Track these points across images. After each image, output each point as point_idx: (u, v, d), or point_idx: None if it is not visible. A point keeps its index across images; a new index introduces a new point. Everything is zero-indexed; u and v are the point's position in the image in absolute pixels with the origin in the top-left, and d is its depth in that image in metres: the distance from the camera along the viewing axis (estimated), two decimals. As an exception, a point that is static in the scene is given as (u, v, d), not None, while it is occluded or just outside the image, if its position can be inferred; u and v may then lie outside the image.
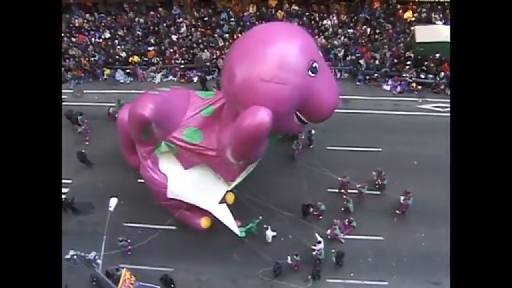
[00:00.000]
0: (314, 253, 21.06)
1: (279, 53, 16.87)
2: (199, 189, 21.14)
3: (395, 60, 29.97)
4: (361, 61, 29.62)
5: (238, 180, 21.53)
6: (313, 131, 25.15)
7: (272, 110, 16.52)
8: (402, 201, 22.47)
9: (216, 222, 21.91)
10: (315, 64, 17.26)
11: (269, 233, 21.97)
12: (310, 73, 17.14)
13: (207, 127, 20.05)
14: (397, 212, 22.86)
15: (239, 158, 19.27)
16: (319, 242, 21.06)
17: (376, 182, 23.60)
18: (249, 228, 22.01)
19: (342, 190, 23.52)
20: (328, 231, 22.07)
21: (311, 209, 22.71)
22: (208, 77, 30.48)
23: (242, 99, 17.27)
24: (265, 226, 21.96)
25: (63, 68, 31.46)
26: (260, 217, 22.14)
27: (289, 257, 20.88)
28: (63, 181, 24.34)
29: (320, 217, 22.72)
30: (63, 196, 23.90)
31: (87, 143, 27.11)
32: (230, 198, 22.08)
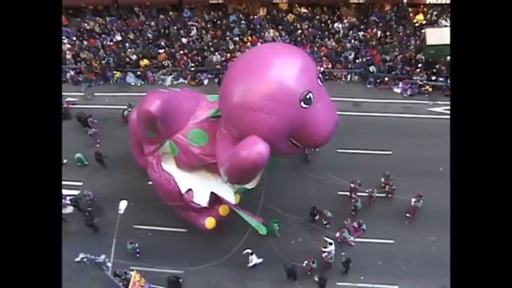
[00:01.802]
0: (324, 255, 21.02)
1: (271, 82, 16.56)
2: (208, 187, 21.22)
3: (406, 63, 29.84)
4: (371, 68, 29.52)
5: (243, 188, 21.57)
6: None
7: (261, 137, 16.45)
8: (412, 204, 22.40)
9: (223, 224, 21.92)
10: (309, 95, 16.71)
11: (254, 259, 21.56)
12: (303, 104, 16.70)
13: (213, 131, 20.02)
14: (408, 215, 22.79)
15: (233, 181, 19.65)
16: (330, 244, 21.04)
17: (384, 186, 23.52)
18: (270, 229, 22.05)
19: (352, 194, 23.43)
20: (337, 234, 22.02)
21: (317, 217, 22.66)
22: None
23: (233, 123, 17.51)
24: (249, 251, 21.53)
25: (74, 71, 31.76)
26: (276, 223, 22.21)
27: (305, 262, 20.83)
28: (74, 183, 24.72)
29: (328, 225, 22.60)
30: (71, 198, 24.23)
31: (98, 145, 27.27)
32: (236, 198, 22.01)
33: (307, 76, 17.26)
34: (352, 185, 23.29)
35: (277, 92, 16.46)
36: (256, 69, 16.98)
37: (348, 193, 23.62)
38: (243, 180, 19.40)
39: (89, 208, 23.51)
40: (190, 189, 20.83)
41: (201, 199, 21.12)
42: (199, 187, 21.00)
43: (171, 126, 19.90)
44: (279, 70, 16.80)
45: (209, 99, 21.46)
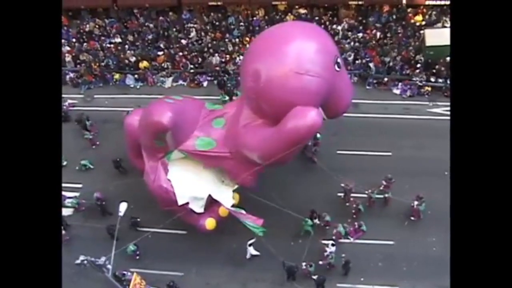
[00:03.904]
0: (325, 254, 21.00)
1: (308, 48, 17.75)
2: (206, 192, 21.22)
3: (405, 64, 29.84)
4: (371, 65, 29.53)
5: None
6: (318, 135, 24.93)
7: (305, 103, 17.10)
8: (414, 206, 22.37)
9: (223, 225, 21.89)
10: (339, 59, 18.40)
11: (251, 251, 21.66)
12: (336, 67, 18.17)
13: (219, 137, 20.17)
14: (412, 218, 22.73)
15: (274, 161, 18.28)
16: (333, 245, 21.07)
17: (383, 189, 23.38)
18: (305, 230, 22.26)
19: (349, 197, 23.32)
20: (334, 231, 21.99)
21: (317, 221, 22.57)
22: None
23: (273, 94, 17.59)
24: (249, 243, 21.61)
25: (74, 74, 31.74)
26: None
27: (303, 264, 20.80)
28: (74, 185, 24.70)
29: (328, 227, 22.53)
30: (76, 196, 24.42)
31: (93, 146, 27.35)
32: (235, 197, 21.99)
33: (331, 42, 19.44)
34: (349, 187, 23.17)
35: (316, 55, 17.72)
36: (284, 40, 18.12)
37: (343, 196, 23.54)
38: (285, 157, 18.11)
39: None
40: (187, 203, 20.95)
41: (197, 206, 21.24)
42: (198, 194, 21.07)
43: (180, 136, 20.07)
44: (308, 38, 18.31)
45: (207, 107, 21.53)
